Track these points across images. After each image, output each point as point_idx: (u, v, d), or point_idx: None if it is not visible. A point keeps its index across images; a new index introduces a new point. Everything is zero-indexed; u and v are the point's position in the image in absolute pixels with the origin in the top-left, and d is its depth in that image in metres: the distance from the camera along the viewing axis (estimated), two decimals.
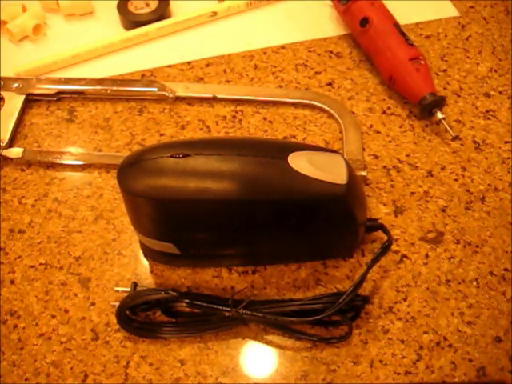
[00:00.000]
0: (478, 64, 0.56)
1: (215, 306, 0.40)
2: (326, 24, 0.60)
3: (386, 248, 0.41)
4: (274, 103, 0.54)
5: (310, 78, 0.56)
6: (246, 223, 0.39)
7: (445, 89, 0.55)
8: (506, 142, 0.51)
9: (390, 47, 0.53)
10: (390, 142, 0.51)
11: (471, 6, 0.61)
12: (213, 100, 0.54)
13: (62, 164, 0.50)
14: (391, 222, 0.46)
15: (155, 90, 0.54)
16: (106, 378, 0.40)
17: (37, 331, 0.42)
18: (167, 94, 0.54)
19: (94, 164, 0.50)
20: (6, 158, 0.50)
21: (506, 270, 0.44)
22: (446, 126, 0.50)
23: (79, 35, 0.61)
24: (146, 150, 0.39)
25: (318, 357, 0.40)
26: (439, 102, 0.50)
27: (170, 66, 0.57)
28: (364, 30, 0.54)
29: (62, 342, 0.41)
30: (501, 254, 0.44)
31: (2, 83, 0.55)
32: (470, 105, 0.53)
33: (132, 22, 0.60)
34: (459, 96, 0.54)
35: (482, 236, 0.45)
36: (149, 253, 0.44)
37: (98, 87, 0.55)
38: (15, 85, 0.55)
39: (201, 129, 0.53)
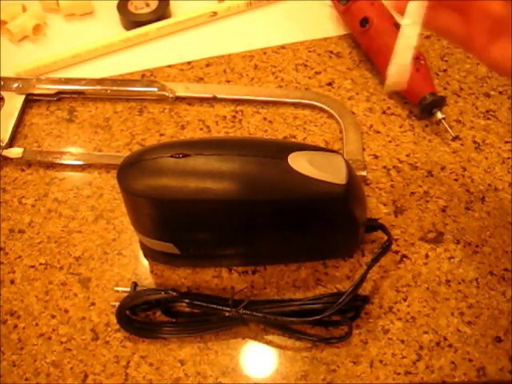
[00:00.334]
0: (477, 64, 0.56)
1: (215, 306, 0.40)
2: (325, 24, 0.60)
3: (385, 248, 0.41)
4: (274, 103, 0.54)
5: (309, 78, 0.56)
6: (245, 223, 0.39)
7: (445, 89, 0.55)
8: (506, 142, 0.51)
9: (390, 47, 0.52)
10: (390, 142, 0.51)
11: None
12: (213, 100, 0.54)
13: (62, 164, 0.50)
14: (391, 222, 0.46)
15: (155, 90, 0.54)
16: (106, 378, 0.40)
17: (37, 331, 0.42)
18: (167, 94, 0.54)
19: (94, 164, 0.50)
20: (6, 158, 0.50)
21: (506, 269, 0.44)
22: (446, 126, 0.50)
23: (79, 35, 0.61)
24: (146, 149, 0.39)
25: (317, 357, 0.40)
26: (439, 102, 0.50)
27: (170, 66, 0.57)
28: (364, 30, 0.54)
29: (62, 342, 0.41)
30: (501, 253, 0.44)
31: (2, 83, 0.55)
32: (470, 105, 0.53)
33: (132, 21, 0.60)
34: (459, 96, 0.54)
35: (482, 236, 0.45)
36: (149, 253, 0.44)
37: (98, 87, 0.55)
38: (15, 85, 0.55)
39: (201, 129, 0.53)
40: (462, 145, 0.51)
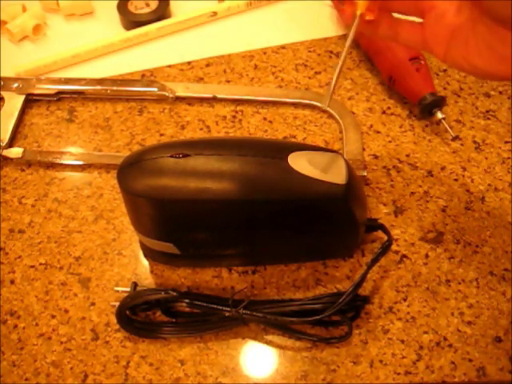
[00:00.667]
0: None
1: (215, 306, 0.40)
2: (325, 24, 0.60)
3: (385, 248, 0.41)
4: (274, 103, 0.54)
5: (309, 78, 0.56)
6: (245, 223, 0.39)
7: (445, 89, 0.55)
8: (506, 142, 0.51)
9: (390, 47, 0.53)
10: (390, 142, 0.51)
11: None
12: (213, 100, 0.54)
13: (62, 164, 0.50)
14: (391, 222, 0.46)
15: (155, 90, 0.54)
16: (106, 378, 0.40)
17: (37, 331, 0.42)
18: (167, 94, 0.54)
19: (94, 164, 0.50)
20: (6, 158, 0.50)
21: (506, 269, 0.44)
22: (446, 126, 0.50)
23: (79, 35, 0.61)
24: (146, 150, 0.39)
25: (317, 357, 0.40)
26: (439, 102, 0.50)
27: (170, 66, 0.57)
28: None
29: (62, 342, 0.41)
30: (501, 254, 0.44)
31: (2, 83, 0.55)
32: (470, 105, 0.53)
33: (132, 21, 0.60)
34: (459, 96, 0.54)
35: (481, 236, 0.45)
36: (149, 253, 0.44)
37: (98, 87, 0.55)
38: (15, 85, 0.55)
39: (201, 129, 0.53)
40: (462, 145, 0.51)
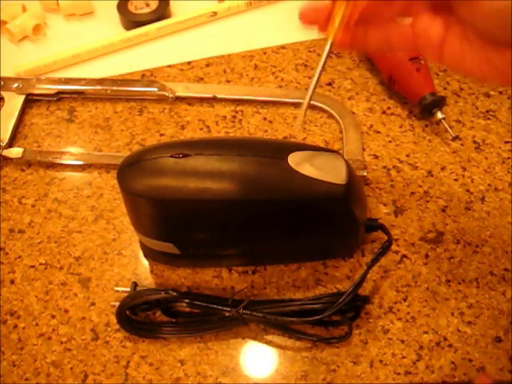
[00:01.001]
0: None
1: (215, 306, 0.40)
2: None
3: (385, 248, 0.41)
4: (274, 103, 0.54)
5: (309, 78, 0.56)
6: (246, 223, 0.39)
7: (445, 89, 0.55)
8: (506, 142, 0.51)
9: None
10: (390, 141, 0.51)
11: None
12: (213, 100, 0.54)
13: (62, 164, 0.50)
14: (391, 222, 0.46)
15: (155, 90, 0.54)
16: (106, 378, 0.40)
17: (37, 331, 0.42)
18: (167, 94, 0.54)
19: (94, 164, 0.50)
20: (6, 158, 0.50)
21: (506, 269, 0.44)
22: (446, 126, 0.50)
23: (79, 35, 0.61)
24: (146, 150, 0.39)
25: (318, 357, 0.40)
26: (439, 102, 0.50)
27: (170, 66, 0.57)
28: None
29: (62, 342, 0.41)
30: (501, 254, 0.44)
31: (2, 83, 0.55)
32: (470, 105, 0.53)
33: (132, 21, 0.60)
34: (459, 96, 0.54)
35: (481, 236, 0.45)
36: (149, 253, 0.44)
37: (98, 87, 0.55)
38: (15, 85, 0.55)
39: (201, 129, 0.53)
40: (462, 145, 0.51)
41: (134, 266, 0.45)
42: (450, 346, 0.40)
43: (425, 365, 0.40)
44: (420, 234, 0.46)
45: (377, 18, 0.33)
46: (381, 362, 0.40)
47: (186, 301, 0.40)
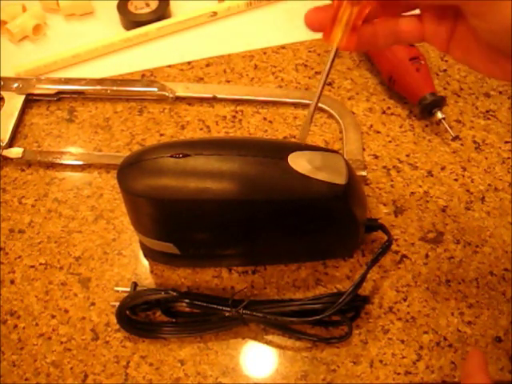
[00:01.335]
0: None
1: (215, 306, 0.40)
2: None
3: (385, 248, 0.41)
4: (274, 103, 0.54)
5: (309, 78, 0.56)
6: (245, 223, 0.39)
7: (445, 89, 0.55)
8: (506, 142, 0.51)
9: (390, 47, 0.53)
10: (390, 141, 0.51)
11: None
12: (213, 100, 0.54)
13: (62, 164, 0.50)
14: (391, 222, 0.46)
15: (155, 90, 0.54)
16: (106, 378, 0.40)
17: (37, 331, 0.42)
18: (167, 94, 0.54)
19: (94, 164, 0.50)
20: (6, 158, 0.50)
21: (506, 269, 0.44)
22: (446, 126, 0.50)
23: (79, 35, 0.61)
24: (146, 150, 0.39)
25: (318, 357, 0.40)
26: (439, 102, 0.50)
27: (170, 66, 0.57)
28: None
29: (62, 342, 0.41)
30: (501, 254, 0.44)
31: (2, 83, 0.55)
32: (470, 105, 0.53)
33: (132, 21, 0.60)
34: (459, 96, 0.54)
35: (481, 236, 0.45)
36: (149, 253, 0.44)
37: (98, 87, 0.55)
38: (15, 85, 0.55)
39: (201, 129, 0.53)
40: (462, 145, 0.51)
41: (134, 266, 0.45)
42: (450, 346, 0.40)
43: (425, 365, 0.40)
44: (420, 234, 0.46)
45: (384, 14, 0.33)
46: (381, 361, 0.40)
47: (186, 301, 0.40)
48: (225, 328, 0.41)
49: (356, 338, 0.41)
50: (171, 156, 0.37)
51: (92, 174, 0.50)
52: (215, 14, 0.61)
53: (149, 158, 0.37)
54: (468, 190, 0.48)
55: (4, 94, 0.54)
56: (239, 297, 0.41)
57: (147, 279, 0.44)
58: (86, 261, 0.45)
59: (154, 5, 0.61)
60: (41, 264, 0.45)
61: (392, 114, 0.53)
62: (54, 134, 0.53)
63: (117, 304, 0.41)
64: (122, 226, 0.47)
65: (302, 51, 0.58)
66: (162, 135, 0.52)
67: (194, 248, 0.42)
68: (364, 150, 0.50)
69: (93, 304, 0.43)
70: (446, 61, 0.57)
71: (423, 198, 0.48)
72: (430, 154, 0.50)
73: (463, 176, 0.49)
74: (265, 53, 0.58)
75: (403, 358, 0.40)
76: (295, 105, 0.54)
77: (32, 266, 0.45)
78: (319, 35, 0.32)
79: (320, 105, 0.53)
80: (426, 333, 0.41)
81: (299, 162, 0.37)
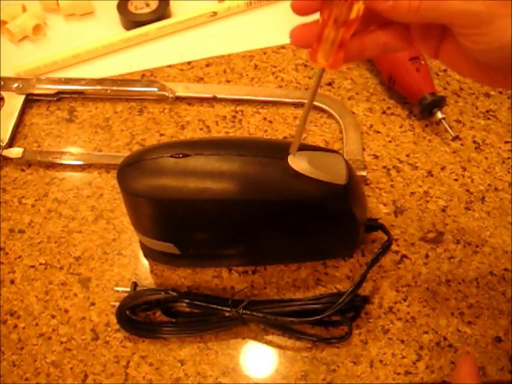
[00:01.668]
0: None
1: (215, 306, 0.40)
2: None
3: (385, 248, 0.41)
4: (274, 103, 0.54)
5: (309, 78, 0.56)
6: (245, 223, 0.39)
7: (445, 89, 0.55)
8: (506, 142, 0.51)
9: None
10: (390, 141, 0.51)
11: None
12: (213, 100, 0.54)
13: (62, 164, 0.50)
14: (391, 222, 0.46)
15: (155, 90, 0.54)
16: (106, 378, 0.40)
17: (37, 331, 0.42)
18: (167, 94, 0.54)
19: (94, 164, 0.50)
20: (6, 158, 0.50)
21: (506, 269, 0.44)
22: (446, 126, 0.50)
23: (79, 35, 0.61)
24: (146, 149, 0.39)
25: (318, 357, 0.40)
26: (439, 102, 0.50)
27: (170, 66, 0.57)
28: None
29: (62, 342, 0.41)
30: (501, 254, 0.44)
31: (2, 83, 0.55)
32: (470, 105, 0.53)
33: (132, 21, 0.60)
34: (459, 96, 0.54)
35: (481, 236, 0.45)
36: (149, 253, 0.44)
37: (98, 87, 0.55)
38: (15, 85, 0.55)
39: (201, 129, 0.53)
40: (462, 145, 0.51)
41: (134, 266, 0.45)
42: (450, 346, 0.40)
43: (425, 365, 0.40)
44: (420, 234, 0.46)
45: (372, 24, 0.32)
46: (381, 362, 0.40)
47: (186, 301, 0.40)
48: (225, 328, 0.41)
49: (356, 337, 0.41)
50: (171, 156, 0.37)
51: (92, 174, 0.50)
52: (215, 14, 0.61)
53: (149, 157, 0.37)
54: (468, 190, 0.48)
55: (4, 94, 0.54)
56: (239, 297, 0.41)
57: (147, 279, 0.44)
58: (86, 261, 0.45)
59: (153, 5, 0.61)
60: (41, 264, 0.45)
61: (392, 113, 0.53)
62: (53, 134, 0.53)
63: (117, 304, 0.41)
64: (122, 225, 0.47)
65: (302, 51, 0.58)
66: (162, 135, 0.52)
67: (194, 248, 0.42)
68: (364, 149, 0.50)
69: (93, 304, 0.43)
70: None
71: (423, 198, 0.48)
72: (430, 154, 0.50)
73: (463, 176, 0.49)
74: (265, 53, 0.58)
75: (403, 358, 0.40)
76: (295, 105, 0.54)
77: (32, 266, 0.45)
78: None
79: (320, 105, 0.53)
80: (425, 333, 0.41)
81: (299, 162, 0.37)
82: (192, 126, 0.53)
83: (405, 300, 0.42)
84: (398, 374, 0.40)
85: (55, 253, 0.46)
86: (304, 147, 0.40)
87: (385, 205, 0.47)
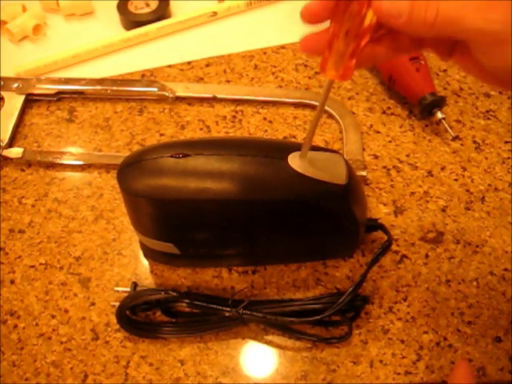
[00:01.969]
0: None
1: (215, 306, 0.40)
2: (326, 24, 0.60)
3: (385, 248, 0.41)
4: (274, 103, 0.54)
5: (309, 78, 0.56)
6: (245, 223, 0.39)
7: (445, 89, 0.55)
8: (506, 142, 0.51)
9: None
10: (390, 141, 0.51)
11: None
12: (213, 100, 0.54)
13: (62, 164, 0.50)
14: (391, 222, 0.46)
15: (155, 90, 0.54)
16: (106, 378, 0.40)
17: (37, 331, 0.42)
18: (167, 94, 0.54)
19: (94, 164, 0.50)
20: (6, 158, 0.50)
21: (505, 269, 0.44)
22: (446, 126, 0.50)
23: (79, 35, 0.61)
24: (146, 149, 0.39)
25: (318, 357, 0.40)
26: (439, 102, 0.50)
27: (170, 66, 0.57)
28: None
29: (62, 342, 0.41)
30: (501, 254, 0.44)
31: (2, 83, 0.55)
32: (470, 105, 0.53)
33: (132, 21, 0.60)
34: (459, 96, 0.54)
35: (482, 236, 0.45)
36: (149, 253, 0.44)
37: (98, 87, 0.55)
38: (15, 85, 0.55)
39: (201, 129, 0.53)
40: (462, 145, 0.51)
41: (134, 266, 0.45)
42: (450, 346, 0.40)
43: (425, 365, 0.40)
44: (420, 234, 0.46)
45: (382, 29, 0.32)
46: (381, 362, 0.40)
47: (186, 301, 0.40)
48: (225, 328, 0.41)
49: (356, 337, 0.41)
50: (171, 156, 0.37)
51: (92, 174, 0.50)
52: (215, 14, 0.61)
53: (149, 157, 0.37)
54: (468, 190, 0.48)
55: (4, 94, 0.54)
56: (239, 297, 0.41)
57: (147, 279, 0.44)
58: (86, 261, 0.45)
59: (153, 5, 0.61)
60: (41, 264, 0.45)
61: (392, 113, 0.53)
62: (53, 134, 0.53)
63: (117, 304, 0.41)
64: (122, 225, 0.47)
65: (301, 51, 0.58)
66: (162, 135, 0.52)
67: (194, 248, 0.42)
68: (364, 149, 0.50)
69: (93, 304, 0.43)
70: (446, 61, 0.57)
71: (423, 198, 0.48)
72: (430, 154, 0.50)
73: (463, 176, 0.49)
74: (265, 53, 0.58)
75: (403, 358, 0.40)
76: (295, 105, 0.54)
77: (32, 266, 0.45)
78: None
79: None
80: (425, 333, 0.41)
81: (299, 162, 0.37)
82: (192, 125, 0.53)
83: (405, 300, 0.42)
84: (398, 374, 0.40)
85: (55, 253, 0.46)
86: None
87: (385, 205, 0.47)
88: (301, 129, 0.52)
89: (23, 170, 0.51)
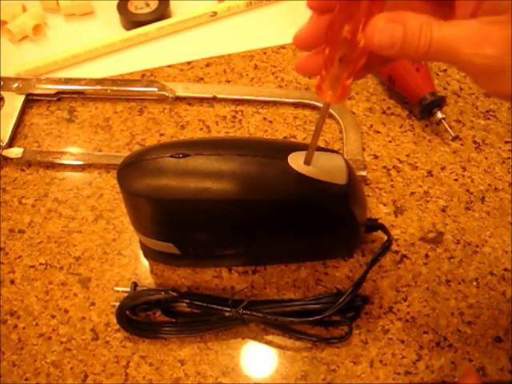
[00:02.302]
0: None
1: (215, 306, 0.40)
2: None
3: (385, 248, 0.41)
4: (274, 103, 0.54)
5: (309, 78, 0.56)
6: (245, 223, 0.39)
7: (445, 89, 0.55)
8: (506, 142, 0.51)
9: None
10: (390, 141, 0.51)
11: None
12: (213, 100, 0.54)
13: (62, 164, 0.50)
14: (391, 222, 0.46)
15: (155, 89, 0.54)
16: (106, 378, 0.40)
17: (37, 331, 0.42)
18: (167, 93, 0.54)
19: (94, 164, 0.50)
20: (6, 158, 0.50)
21: (506, 269, 0.44)
22: (446, 126, 0.50)
23: (79, 35, 0.61)
24: (146, 149, 0.39)
25: (318, 357, 0.40)
26: (439, 102, 0.50)
27: (170, 66, 0.57)
28: None
29: (62, 342, 0.41)
30: (501, 254, 0.44)
31: (2, 83, 0.55)
32: (470, 105, 0.53)
33: (132, 22, 0.60)
34: (459, 96, 0.54)
35: (481, 236, 0.45)
36: (149, 253, 0.44)
37: (98, 87, 0.55)
38: (15, 85, 0.55)
39: (201, 129, 0.53)
40: (462, 145, 0.51)
41: (134, 266, 0.45)
42: (450, 346, 0.40)
43: (425, 365, 0.40)
44: (420, 234, 0.46)
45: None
46: (381, 362, 0.40)
47: (186, 301, 0.40)
48: (225, 328, 0.41)
49: (356, 337, 0.41)
50: (171, 156, 0.37)
51: (92, 173, 0.50)
52: (215, 14, 0.61)
53: (149, 157, 0.37)
54: (468, 190, 0.48)
55: (4, 94, 0.54)
56: (239, 297, 0.41)
57: (147, 279, 0.44)
58: (86, 261, 0.45)
59: (153, 5, 0.61)
60: (41, 264, 0.45)
61: (392, 113, 0.53)
62: (53, 134, 0.53)
63: (117, 304, 0.41)
64: (122, 225, 0.47)
65: (302, 51, 0.58)
66: (162, 135, 0.52)
67: (194, 248, 0.42)
68: (364, 149, 0.50)
69: (93, 304, 0.43)
70: None
71: (423, 198, 0.48)
72: (430, 154, 0.50)
73: (463, 176, 0.49)
74: (265, 53, 0.58)
75: (403, 358, 0.40)
76: (295, 105, 0.54)
77: (32, 266, 0.45)
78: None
79: (320, 105, 0.53)
80: (425, 333, 0.41)
81: (299, 162, 0.37)
82: (192, 125, 0.53)
83: (405, 300, 0.42)
84: (398, 374, 0.40)
85: (55, 253, 0.46)
86: (304, 147, 0.40)
87: (385, 205, 0.47)
88: (301, 129, 0.52)
89: (23, 170, 0.51)
